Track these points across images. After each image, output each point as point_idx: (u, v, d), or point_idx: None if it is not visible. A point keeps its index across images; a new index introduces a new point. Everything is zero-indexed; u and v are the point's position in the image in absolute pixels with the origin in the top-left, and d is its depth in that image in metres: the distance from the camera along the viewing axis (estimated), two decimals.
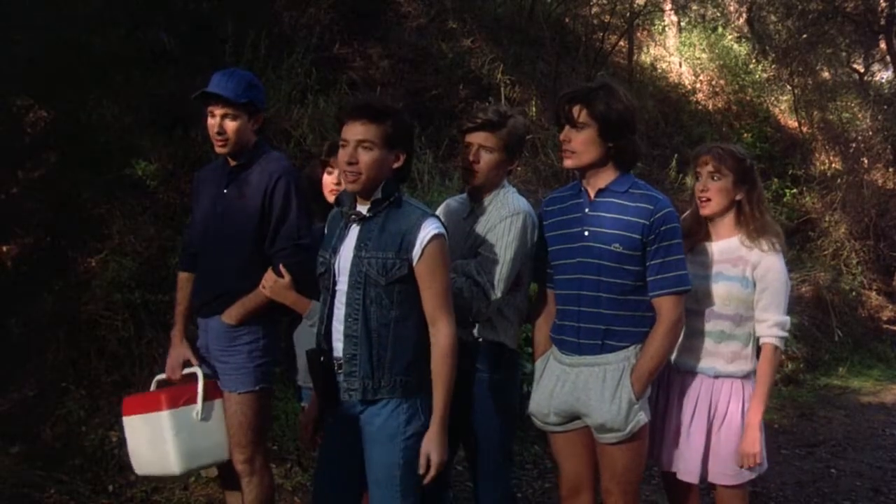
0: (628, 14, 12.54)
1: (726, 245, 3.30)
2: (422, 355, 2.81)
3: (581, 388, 3.03)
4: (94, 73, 5.86)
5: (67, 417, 4.66)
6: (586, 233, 3.01)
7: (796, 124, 14.67)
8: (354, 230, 2.87)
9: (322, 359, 2.89)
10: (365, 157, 2.78)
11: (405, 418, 2.79)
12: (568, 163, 3.02)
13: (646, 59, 14.01)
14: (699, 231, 3.35)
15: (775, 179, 12.62)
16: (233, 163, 3.47)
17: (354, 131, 2.79)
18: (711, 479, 3.30)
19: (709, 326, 3.25)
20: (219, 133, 3.37)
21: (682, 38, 14.82)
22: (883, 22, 12.57)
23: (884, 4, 12.85)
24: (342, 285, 2.85)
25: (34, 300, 5.01)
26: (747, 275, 3.23)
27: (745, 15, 16.54)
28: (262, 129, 3.55)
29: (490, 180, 3.21)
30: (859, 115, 14.66)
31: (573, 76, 11.04)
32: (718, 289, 3.25)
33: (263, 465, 3.52)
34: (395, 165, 2.86)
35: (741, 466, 3.21)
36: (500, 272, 3.09)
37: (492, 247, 3.12)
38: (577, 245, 3.03)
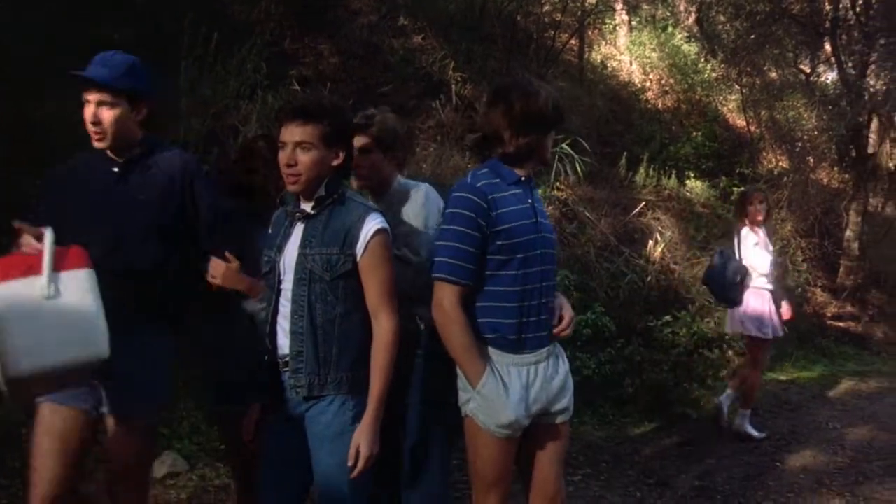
0: (580, 13, 12.64)
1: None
2: (368, 352, 2.79)
3: (548, 379, 2.94)
4: (41, 69, 5.75)
5: None
6: (539, 223, 2.95)
7: (744, 123, 14.87)
8: (299, 228, 2.86)
9: (266, 357, 2.87)
10: (304, 158, 2.78)
11: (352, 415, 2.78)
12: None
13: (596, 57, 14.12)
14: None
15: (723, 178, 12.80)
16: (118, 159, 3.09)
17: (292, 133, 2.78)
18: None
19: None
20: (93, 123, 3.00)
21: (633, 38, 14.95)
22: (828, 24, 12.77)
23: (828, 7, 13.07)
24: (287, 283, 2.84)
25: None
26: None
27: (694, 15, 16.74)
28: (149, 122, 3.15)
29: (381, 179, 3.31)
30: (805, 115, 14.90)
31: (524, 74, 11.07)
32: None
33: None
34: (336, 163, 2.85)
35: None
36: (420, 239, 3.16)
37: (403, 223, 3.20)
38: (536, 236, 2.91)
